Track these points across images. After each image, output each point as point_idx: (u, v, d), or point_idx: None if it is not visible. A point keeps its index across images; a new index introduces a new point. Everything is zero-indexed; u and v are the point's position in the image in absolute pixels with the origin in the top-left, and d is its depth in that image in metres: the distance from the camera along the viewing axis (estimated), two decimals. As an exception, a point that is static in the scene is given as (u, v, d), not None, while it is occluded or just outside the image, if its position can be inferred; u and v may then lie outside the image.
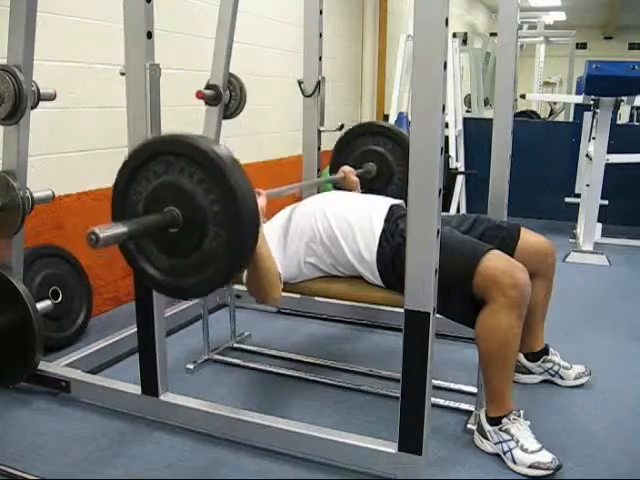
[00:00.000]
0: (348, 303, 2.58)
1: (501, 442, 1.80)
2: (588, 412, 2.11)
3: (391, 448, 1.67)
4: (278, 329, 2.87)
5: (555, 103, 7.56)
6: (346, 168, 2.43)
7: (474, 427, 1.91)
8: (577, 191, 4.74)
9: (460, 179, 4.91)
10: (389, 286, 1.86)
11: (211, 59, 2.60)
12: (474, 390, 2.04)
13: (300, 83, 2.81)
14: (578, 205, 4.56)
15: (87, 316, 2.74)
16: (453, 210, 4.80)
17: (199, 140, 1.42)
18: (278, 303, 1.87)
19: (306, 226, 1.94)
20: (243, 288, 2.72)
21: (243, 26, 2.97)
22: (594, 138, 4.11)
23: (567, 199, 4.73)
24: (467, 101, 6.63)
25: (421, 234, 1.51)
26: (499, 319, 1.72)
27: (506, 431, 1.79)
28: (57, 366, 2.21)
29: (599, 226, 4.30)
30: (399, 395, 1.62)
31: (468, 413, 2.04)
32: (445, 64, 1.43)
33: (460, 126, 5.00)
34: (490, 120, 2.23)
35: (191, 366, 2.39)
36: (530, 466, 1.73)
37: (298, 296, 2.70)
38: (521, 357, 2.25)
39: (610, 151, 3.99)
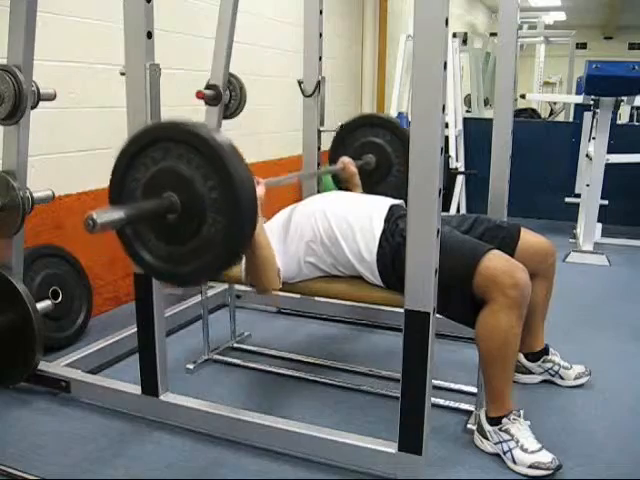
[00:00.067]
0: (348, 303, 2.58)
1: (501, 442, 1.80)
2: (588, 412, 2.11)
3: (391, 448, 1.67)
4: (278, 329, 2.87)
5: (555, 103, 7.56)
6: (345, 159, 2.43)
7: (474, 427, 1.91)
8: (577, 191, 4.74)
9: (460, 179, 4.91)
10: (389, 286, 1.86)
11: (211, 59, 2.61)
12: (474, 390, 2.04)
13: (300, 83, 2.81)
14: (578, 205, 4.55)
15: (87, 316, 2.74)
16: (453, 210, 4.80)
17: (198, 127, 1.42)
18: (277, 288, 1.88)
19: (306, 226, 1.94)
20: (243, 288, 2.75)
21: (243, 26, 2.97)
22: (594, 138, 4.11)
23: (567, 199, 4.73)
24: (467, 101, 6.63)
25: (421, 234, 1.51)
26: (499, 319, 1.72)
27: (506, 431, 1.79)
28: (57, 366, 2.21)
29: (599, 226, 4.30)
30: (399, 395, 1.62)
31: (468, 413, 2.04)
32: (445, 64, 1.43)
33: (460, 126, 5.00)
34: (490, 120, 2.23)
35: (191, 366, 2.39)
36: (530, 466, 1.73)
37: (298, 296, 2.71)
38: (521, 357, 2.25)
39: (610, 151, 3.99)
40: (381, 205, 1.97)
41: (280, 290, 2.04)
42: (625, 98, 4.05)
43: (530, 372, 2.28)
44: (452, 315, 1.85)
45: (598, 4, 10.51)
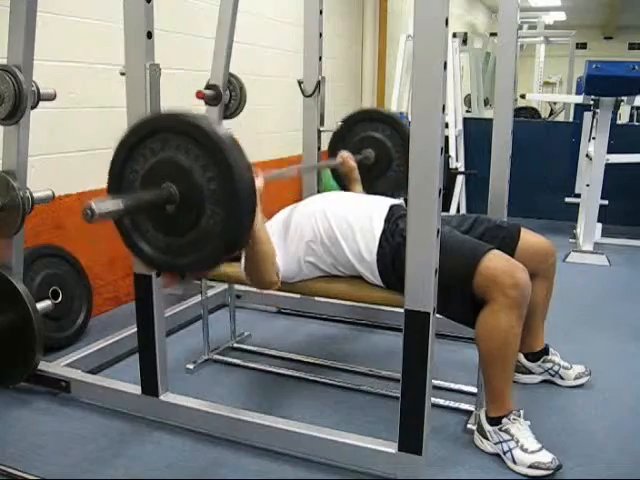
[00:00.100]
0: (348, 303, 2.58)
1: (501, 442, 1.80)
2: (588, 412, 2.11)
3: (391, 448, 1.67)
4: (278, 329, 2.87)
5: (555, 103, 7.56)
6: (344, 153, 2.43)
7: (474, 427, 1.91)
8: (577, 191, 4.74)
9: (460, 179, 4.91)
10: (389, 286, 1.86)
11: (211, 59, 2.61)
12: (474, 390, 2.04)
13: (300, 83, 2.81)
14: (578, 205, 4.55)
15: (87, 316, 2.74)
16: (453, 210, 4.80)
17: (198, 118, 1.42)
18: (275, 284, 1.88)
19: (306, 226, 1.94)
20: (243, 288, 2.75)
21: (243, 26, 2.97)
22: (594, 138, 4.11)
23: (567, 199, 4.73)
24: (467, 101, 6.63)
25: (421, 234, 1.51)
26: (499, 319, 1.72)
27: (506, 431, 1.79)
28: (57, 366, 2.21)
29: (599, 226, 4.30)
30: (399, 395, 1.62)
31: (468, 413, 2.04)
32: (445, 64, 1.43)
33: (460, 126, 5.00)
34: (490, 120, 2.23)
35: (191, 366, 2.39)
36: (530, 466, 1.73)
37: (298, 296, 2.71)
38: (521, 357, 2.25)
39: (610, 151, 3.99)
40: (381, 205, 1.97)
41: (280, 290, 2.04)
42: (625, 98, 4.05)
43: (530, 372, 2.28)
44: (452, 315, 1.85)
45: (598, 4, 10.51)
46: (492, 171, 2.21)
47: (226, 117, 2.74)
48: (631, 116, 6.56)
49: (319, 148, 2.89)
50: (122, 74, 1.82)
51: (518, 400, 1.90)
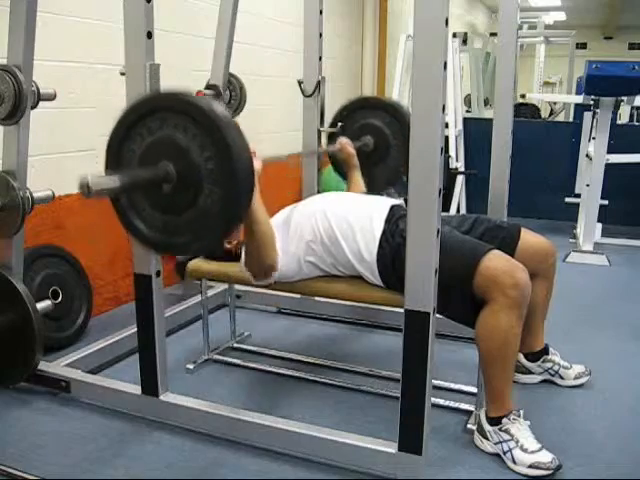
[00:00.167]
0: (348, 303, 2.58)
1: (501, 442, 1.80)
2: (588, 412, 2.11)
3: (391, 448, 1.67)
4: (278, 329, 2.87)
5: (555, 103, 7.56)
6: (342, 139, 2.44)
7: (474, 427, 1.91)
8: (577, 191, 4.74)
9: (460, 179, 4.91)
10: (389, 286, 1.86)
11: (211, 59, 2.61)
12: (474, 390, 2.04)
13: (300, 83, 2.81)
14: (578, 205, 4.55)
15: (87, 316, 2.74)
16: (453, 210, 4.80)
17: (196, 97, 1.42)
18: (275, 268, 1.89)
19: (306, 226, 1.94)
20: (243, 288, 2.75)
21: (243, 26, 2.97)
22: (594, 138, 4.11)
23: (567, 199, 4.73)
24: (467, 101, 6.63)
25: (421, 234, 1.51)
26: (499, 319, 1.72)
27: (506, 431, 1.79)
28: (57, 366, 2.21)
29: (599, 226, 4.30)
30: (399, 395, 1.62)
31: (468, 413, 2.04)
32: (445, 64, 1.43)
33: (460, 126, 5.00)
34: (490, 120, 2.23)
35: (191, 366, 2.39)
36: (530, 466, 1.73)
37: (298, 296, 2.72)
38: (521, 357, 2.25)
39: (610, 151, 3.99)
40: (382, 206, 1.97)
41: (280, 290, 2.05)
42: (625, 98, 4.05)
43: (530, 372, 2.28)
44: (452, 315, 1.85)
45: (598, 4, 10.51)
46: (492, 171, 2.21)
47: (226, 117, 2.74)
48: (631, 116, 6.56)
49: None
50: (122, 74, 1.82)
51: (518, 400, 1.90)
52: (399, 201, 2.03)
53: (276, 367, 2.40)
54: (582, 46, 9.03)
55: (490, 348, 1.76)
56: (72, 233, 2.76)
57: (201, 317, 2.54)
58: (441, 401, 2.10)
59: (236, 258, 2.05)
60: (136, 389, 2.02)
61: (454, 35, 5.10)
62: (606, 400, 2.18)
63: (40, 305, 2.19)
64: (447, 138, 4.73)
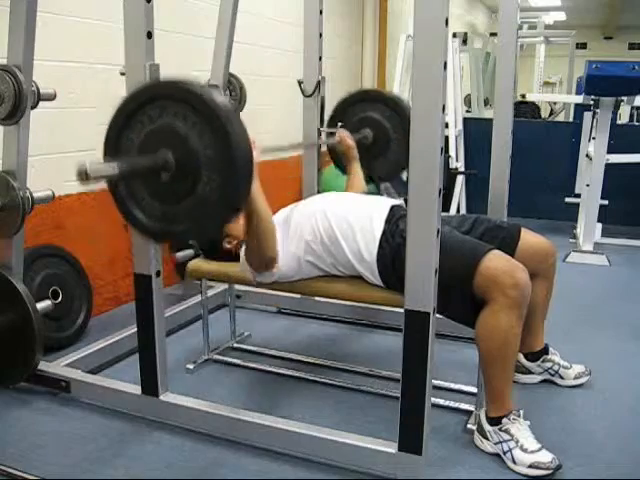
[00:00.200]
0: (348, 303, 2.58)
1: (501, 442, 1.80)
2: (588, 412, 2.11)
3: (391, 448, 1.67)
4: (278, 329, 2.87)
5: (555, 103, 7.56)
6: (342, 131, 2.44)
7: (474, 427, 1.91)
8: (577, 191, 4.74)
9: (460, 179, 4.91)
10: (389, 286, 1.86)
11: (211, 59, 2.61)
12: (474, 390, 2.04)
13: (300, 83, 2.81)
14: (578, 205, 4.55)
15: (87, 316, 2.74)
16: (453, 210, 4.80)
17: (196, 85, 1.42)
18: (275, 260, 1.89)
19: (306, 226, 1.94)
20: (243, 288, 2.75)
21: (243, 26, 2.97)
22: (594, 138, 4.11)
23: (567, 199, 4.72)
24: (467, 101, 6.63)
25: (421, 234, 1.51)
26: (499, 319, 1.72)
27: (506, 431, 1.79)
28: (57, 366, 2.21)
29: (599, 226, 4.30)
30: (399, 395, 1.62)
31: (468, 413, 2.04)
32: (445, 64, 1.43)
33: (460, 126, 5.00)
34: (490, 120, 2.23)
35: (191, 366, 2.39)
36: (530, 466, 1.73)
37: (298, 296, 2.72)
38: (521, 357, 2.25)
39: (610, 151, 3.99)
40: (382, 206, 1.97)
41: (280, 290, 2.05)
42: (625, 98, 4.05)
43: (530, 372, 2.28)
44: (452, 315, 1.85)
45: (598, 4, 10.51)
46: (492, 171, 2.21)
47: (226, 117, 2.74)
48: (631, 116, 6.56)
49: (319, 148, 2.89)
50: (122, 74, 1.83)
51: (518, 400, 1.90)
52: (399, 201, 2.03)
53: (276, 367, 2.40)
54: (582, 46, 9.04)
55: (490, 348, 1.76)
56: (72, 233, 2.76)
57: (201, 317, 2.54)
58: (441, 401, 2.10)
59: (236, 258, 2.05)
60: (136, 389, 2.02)
61: (454, 35, 5.10)
62: (606, 400, 2.18)
63: (40, 305, 2.19)
64: (447, 138, 4.73)
